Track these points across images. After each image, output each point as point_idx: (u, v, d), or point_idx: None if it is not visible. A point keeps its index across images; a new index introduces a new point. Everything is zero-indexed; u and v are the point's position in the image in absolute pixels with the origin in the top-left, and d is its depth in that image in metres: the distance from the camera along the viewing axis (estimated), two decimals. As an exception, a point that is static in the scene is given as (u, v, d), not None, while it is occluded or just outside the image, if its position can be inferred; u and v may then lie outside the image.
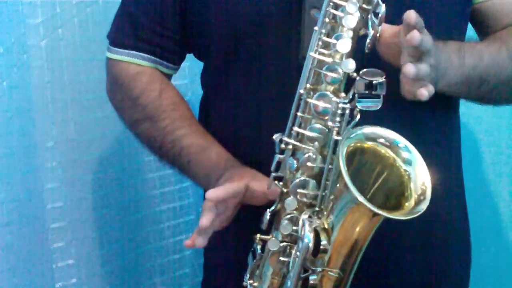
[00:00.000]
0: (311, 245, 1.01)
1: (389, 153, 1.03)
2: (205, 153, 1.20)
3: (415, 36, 0.97)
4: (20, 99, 1.43)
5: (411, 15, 0.98)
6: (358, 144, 1.03)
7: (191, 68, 1.74)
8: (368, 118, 1.02)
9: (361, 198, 0.96)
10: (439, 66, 1.07)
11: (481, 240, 1.47)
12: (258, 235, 1.08)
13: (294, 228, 1.05)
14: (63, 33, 1.55)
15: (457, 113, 1.29)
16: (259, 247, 1.09)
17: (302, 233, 1.01)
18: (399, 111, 1.14)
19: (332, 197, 1.03)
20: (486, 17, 1.26)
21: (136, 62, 1.28)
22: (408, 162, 1.03)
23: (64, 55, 1.56)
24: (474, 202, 1.40)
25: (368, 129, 1.03)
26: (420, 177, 1.01)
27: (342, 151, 0.98)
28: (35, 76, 1.49)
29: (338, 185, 1.01)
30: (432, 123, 1.22)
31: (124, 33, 1.29)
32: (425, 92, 1.01)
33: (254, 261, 1.11)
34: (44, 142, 1.52)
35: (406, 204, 1.01)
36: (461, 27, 1.24)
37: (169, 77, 1.33)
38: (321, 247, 1.01)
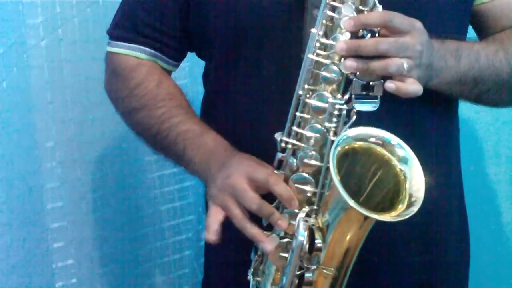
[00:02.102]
0: (305, 243, 1.02)
1: (384, 152, 1.04)
2: (201, 138, 1.20)
3: (347, 65, 1.00)
4: (20, 99, 1.43)
5: (339, 46, 1.00)
6: (352, 145, 1.03)
7: (191, 68, 1.74)
8: (368, 118, 1.03)
9: (351, 202, 0.97)
10: (432, 65, 1.08)
11: (480, 239, 1.46)
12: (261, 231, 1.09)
13: (293, 223, 1.05)
14: (63, 33, 1.55)
15: (456, 113, 1.29)
16: None
17: (297, 231, 1.02)
18: (398, 111, 1.14)
19: (327, 196, 1.03)
20: (486, 19, 1.26)
21: (135, 55, 1.28)
22: (403, 161, 1.03)
23: (64, 55, 1.56)
24: (474, 202, 1.40)
25: (356, 131, 1.03)
26: (415, 178, 1.02)
27: (333, 155, 0.99)
28: (35, 76, 1.49)
29: (332, 187, 1.02)
30: (431, 123, 1.22)
31: (124, 28, 1.30)
32: (391, 85, 1.01)
33: (256, 256, 1.11)
34: (44, 142, 1.53)
35: (400, 206, 1.01)
36: (461, 28, 1.24)
37: (168, 73, 1.33)
38: (316, 245, 1.02)
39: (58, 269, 1.57)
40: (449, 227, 1.27)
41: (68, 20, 1.56)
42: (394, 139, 1.03)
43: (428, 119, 1.21)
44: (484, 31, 1.27)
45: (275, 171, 1.08)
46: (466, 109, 1.38)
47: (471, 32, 1.28)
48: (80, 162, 1.61)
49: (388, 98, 1.02)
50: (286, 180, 1.07)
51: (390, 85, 1.01)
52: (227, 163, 1.12)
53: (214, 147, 1.17)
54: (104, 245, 1.68)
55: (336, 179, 0.98)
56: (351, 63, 1.01)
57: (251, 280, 1.12)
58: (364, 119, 1.03)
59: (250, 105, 1.20)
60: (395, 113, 1.12)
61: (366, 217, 0.99)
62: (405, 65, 1.01)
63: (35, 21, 1.49)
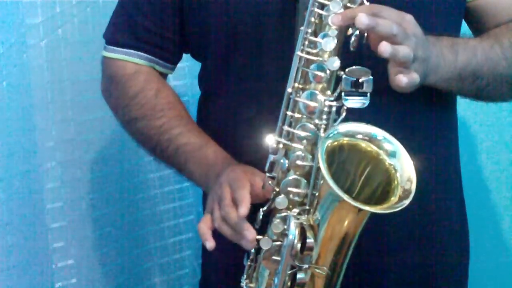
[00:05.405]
0: (296, 241, 1.01)
1: (372, 147, 1.03)
2: (201, 151, 1.20)
3: (384, 48, 0.97)
4: (20, 99, 1.43)
5: (360, 21, 0.97)
6: (341, 141, 1.03)
7: (191, 68, 1.74)
8: (365, 116, 1.02)
9: (342, 194, 0.97)
10: (430, 61, 1.07)
11: (480, 238, 1.46)
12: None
13: (286, 227, 1.05)
14: (63, 33, 1.55)
15: (454, 110, 1.29)
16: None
17: (288, 229, 1.02)
18: (395, 109, 1.14)
19: (317, 194, 1.03)
20: (480, 15, 1.26)
21: (133, 61, 1.28)
22: (392, 155, 1.03)
23: (64, 55, 1.56)
24: (473, 200, 1.40)
25: (345, 127, 1.03)
26: (406, 169, 1.01)
27: (322, 150, 0.99)
28: (35, 76, 1.49)
29: (322, 182, 1.01)
30: (429, 120, 1.22)
31: (121, 32, 1.29)
32: (403, 79, 1.00)
33: (248, 261, 1.10)
34: (44, 142, 1.53)
35: (392, 198, 1.00)
36: (455, 24, 1.24)
37: (164, 76, 1.33)
38: (307, 244, 1.01)
39: (58, 269, 1.57)
40: (449, 226, 1.27)
41: (68, 20, 1.56)
42: (380, 134, 1.03)
43: (425, 116, 1.21)
44: (478, 28, 1.26)
45: (267, 174, 1.07)
46: (465, 107, 1.38)
47: (466, 31, 1.28)
48: (80, 162, 1.61)
49: (385, 95, 1.02)
50: (278, 182, 1.06)
51: (402, 79, 0.99)
52: (220, 175, 1.13)
53: (213, 161, 1.18)
54: (104, 245, 1.68)
55: (325, 172, 0.97)
56: (385, 46, 0.97)
57: (244, 286, 1.11)
58: (360, 117, 1.02)
59: (246, 106, 1.20)
60: (392, 110, 1.12)
61: (358, 211, 0.99)
62: (412, 54, 1.00)
63: (35, 21, 1.50)
